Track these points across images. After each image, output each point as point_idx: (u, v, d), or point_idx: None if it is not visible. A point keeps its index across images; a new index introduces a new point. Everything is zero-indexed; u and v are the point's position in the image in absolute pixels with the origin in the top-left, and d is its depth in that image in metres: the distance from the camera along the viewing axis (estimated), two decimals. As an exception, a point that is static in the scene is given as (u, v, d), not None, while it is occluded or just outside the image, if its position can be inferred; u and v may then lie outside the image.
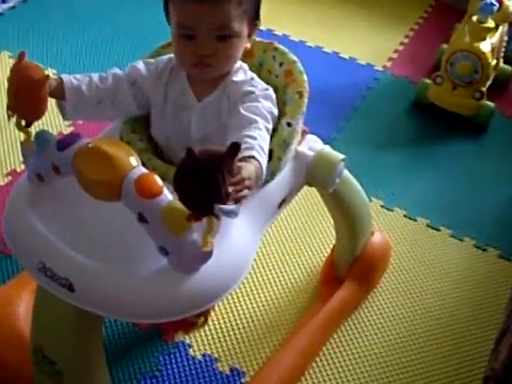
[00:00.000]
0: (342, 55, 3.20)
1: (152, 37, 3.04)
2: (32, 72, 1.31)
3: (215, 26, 1.41)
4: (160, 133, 1.56)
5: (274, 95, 1.51)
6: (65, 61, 2.96)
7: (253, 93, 1.47)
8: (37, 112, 1.34)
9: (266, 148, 1.37)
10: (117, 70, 1.53)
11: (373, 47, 3.29)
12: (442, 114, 2.84)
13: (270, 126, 1.44)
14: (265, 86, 1.51)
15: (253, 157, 1.28)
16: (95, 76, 1.50)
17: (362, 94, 2.97)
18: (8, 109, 1.34)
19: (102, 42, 3.10)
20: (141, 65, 1.55)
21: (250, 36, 1.51)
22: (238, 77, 1.51)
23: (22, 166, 2.36)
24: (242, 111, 1.41)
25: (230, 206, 1.13)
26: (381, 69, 3.15)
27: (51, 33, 3.13)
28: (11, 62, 2.86)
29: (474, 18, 2.75)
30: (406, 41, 3.38)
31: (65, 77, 1.46)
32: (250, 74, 1.54)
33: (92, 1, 3.38)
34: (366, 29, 3.43)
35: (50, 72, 2.83)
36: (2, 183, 2.32)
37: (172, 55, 1.54)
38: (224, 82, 1.50)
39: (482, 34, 2.73)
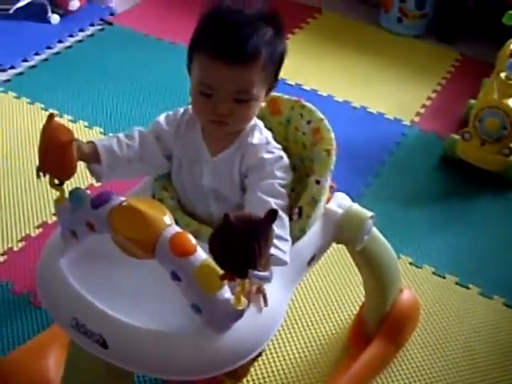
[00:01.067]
0: (369, 110, 3.23)
1: (180, 90, 3.11)
2: (60, 134, 1.33)
3: (236, 89, 1.43)
4: (177, 183, 1.59)
5: (287, 161, 1.54)
6: (96, 113, 3.00)
7: (269, 164, 1.49)
8: (66, 172, 1.35)
9: (285, 227, 1.43)
10: (140, 128, 1.57)
11: (400, 102, 3.32)
12: (471, 169, 2.83)
13: (287, 199, 1.48)
14: (279, 153, 1.53)
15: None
16: (121, 135, 1.54)
17: (390, 150, 2.99)
18: (38, 169, 1.36)
19: (132, 95, 3.15)
20: (162, 119, 1.59)
21: (266, 95, 1.53)
22: (255, 138, 1.53)
23: (53, 218, 2.39)
24: (259, 193, 1.45)
25: (264, 272, 1.15)
26: (408, 124, 3.17)
27: (82, 85, 3.19)
28: (43, 113, 2.91)
29: (503, 75, 2.76)
30: (434, 96, 3.40)
31: (96, 140, 1.49)
32: (266, 133, 1.56)
33: (122, 55, 3.45)
34: (393, 84, 3.47)
35: (82, 124, 2.88)
36: (33, 235, 2.35)
37: (189, 106, 1.57)
38: (239, 140, 1.53)
39: (510, 90, 2.74)
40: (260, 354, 1.96)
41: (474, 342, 2.17)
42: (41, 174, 1.37)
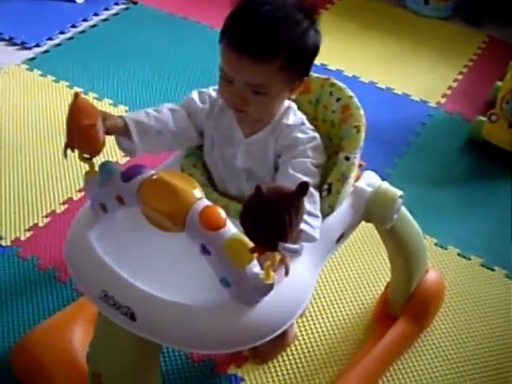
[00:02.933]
0: (395, 91, 3.21)
1: (205, 69, 3.11)
2: (82, 116, 1.31)
3: (251, 81, 1.42)
4: (210, 162, 1.60)
5: (320, 143, 1.53)
6: (120, 91, 3.00)
7: (302, 144, 1.49)
8: (93, 150, 1.35)
9: (316, 203, 1.43)
10: (169, 104, 1.56)
11: (426, 83, 3.30)
12: (497, 151, 2.82)
13: (318, 178, 1.48)
14: (313, 134, 1.53)
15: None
16: (149, 109, 1.53)
17: (416, 131, 2.97)
18: (66, 146, 1.36)
19: (157, 73, 3.14)
20: (195, 95, 1.59)
21: (294, 89, 1.51)
22: (290, 119, 1.53)
23: (79, 194, 2.40)
24: (291, 171, 1.45)
25: (294, 245, 1.14)
26: (434, 105, 3.14)
27: (107, 63, 3.18)
28: (69, 91, 2.91)
29: (531, 57, 2.74)
30: (460, 77, 3.38)
31: (124, 115, 1.47)
32: (300, 115, 1.56)
33: (147, 34, 3.44)
34: (419, 65, 3.44)
35: (107, 102, 2.88)
36: (58, 211, 2.35)
37: None
38: (273, 122, 1.53)
39: (538, 72, 2.72)
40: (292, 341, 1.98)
41: (497, 323, 2.15)
42: (68, 150, 1.36)
